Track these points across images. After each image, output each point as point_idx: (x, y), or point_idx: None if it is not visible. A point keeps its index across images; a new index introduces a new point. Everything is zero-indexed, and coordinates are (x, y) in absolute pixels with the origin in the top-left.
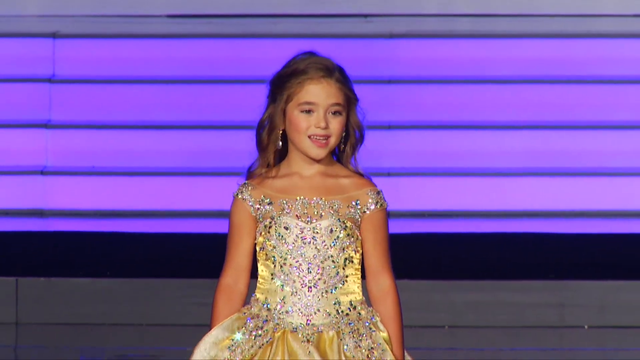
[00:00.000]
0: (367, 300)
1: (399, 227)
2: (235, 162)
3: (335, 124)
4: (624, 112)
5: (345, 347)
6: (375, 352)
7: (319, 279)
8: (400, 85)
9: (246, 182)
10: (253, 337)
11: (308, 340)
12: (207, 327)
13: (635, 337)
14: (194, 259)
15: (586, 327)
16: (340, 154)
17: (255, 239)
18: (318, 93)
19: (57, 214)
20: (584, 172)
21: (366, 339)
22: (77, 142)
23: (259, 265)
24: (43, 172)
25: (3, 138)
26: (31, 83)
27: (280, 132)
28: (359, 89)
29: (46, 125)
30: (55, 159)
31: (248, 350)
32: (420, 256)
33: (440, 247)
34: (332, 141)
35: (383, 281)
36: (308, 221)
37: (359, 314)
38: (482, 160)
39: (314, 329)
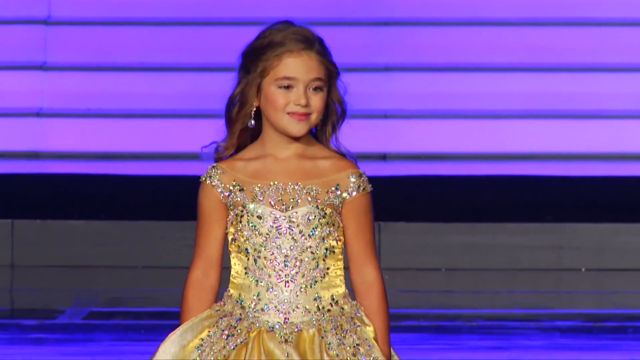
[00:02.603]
0: (352, 292)
1: (395, 169)
2: None
3: (317, 101)
4: (622, 55)
5: (328, 345)
6: (361, 349)
7: (297, 273)
8: (396, 27)
9: (215, 165)
10: (225, 337)
11: (286, 341)
12: None
13: (633, 279)
14: (189, 201)
15: (583, 269)
16: (319, 132)
17: (226, 228)
18: (297, 67)
19: (53, 156)
20: (581, 114)
21: (351, 335)
22: (72, 84)
23: (231, 257)
24: (39, 114)
25: None
26: (27, 25)
27: (254, 109)
28: (356, 31)
29: (42, 67)
30: (50, 101)
31: (220, 351)
32: (416, 198)
33: (436, 190)
34: (313, 118)
35: (367, 272)
36: (283, 209)
37: (342, 308)
38: (479, 103)
39: (293, 327)
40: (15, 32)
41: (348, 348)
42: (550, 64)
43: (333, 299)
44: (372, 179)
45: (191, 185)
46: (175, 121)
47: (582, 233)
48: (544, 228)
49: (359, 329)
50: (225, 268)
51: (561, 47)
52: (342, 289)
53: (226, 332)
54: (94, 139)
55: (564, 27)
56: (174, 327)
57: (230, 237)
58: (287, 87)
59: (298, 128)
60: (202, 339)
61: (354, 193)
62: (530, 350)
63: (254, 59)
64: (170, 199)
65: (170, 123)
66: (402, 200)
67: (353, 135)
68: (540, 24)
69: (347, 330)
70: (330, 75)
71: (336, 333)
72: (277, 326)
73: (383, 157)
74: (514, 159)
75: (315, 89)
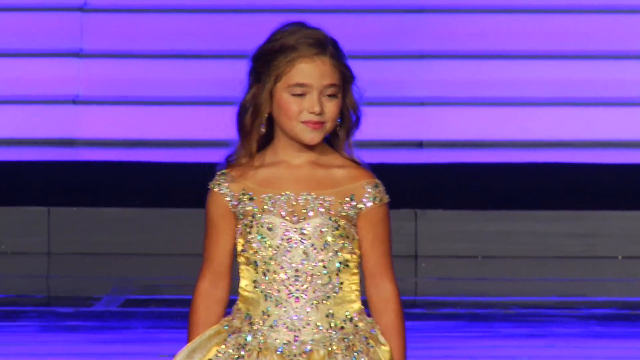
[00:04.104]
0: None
1: (431, 157)
2: None
3: (331, 108)
4: None
5: None
6: None
7: (308, 288)
8: (431, 14)
9: (224, 171)
10: (235, 357)
11: None
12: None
13: None
14: None
15: (620, 257)
16: (333, 138)
17: (235, 237)
18: (311, 73)
19: (89, 143)
20: (616, 102)
21: (363, 357)
22: (108, 71)
23: (239, 269)
24: (75, 101)
25: (35, 67)
26: (63, 12)
27: (266, 115)
28: (391, 18)
29: (78, 54)
30: (86, 88)
31: None
32: (452, 186)
33: (472, 177)
34: (328, 126)
35: (383, 287)
36: (294, 220)
37: (356, 326)
38: (514, 90)
39: (302, 347)
40: (52, 19)
41: None
42: (586, 51)
43: (347, 316)
44: (408, 167)
45: None
46: (211, 108)
47: (618, 220)
48: (579, 215)
49: (372, 349)
50: (235, 278)
51: (595, 34)
52: (357, 305)
53: (234, 351)
54: (129, 126)
55: (598, 14)
56: None
57: (239, 248)
58: (301, 94)
59: (311, 136)
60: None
61: (370, 204)
62: (566, 338)
63: (265, 64)
64: (206, 187)
65: (206, 110)
66: (437, 187)
67: (390, 122)
68: (576, 10)
69: (359, 351)
70: (345, 80)
71: (347, 354)
72: (285, 347)
73: (419, 144)
74: (549, 146)
75: (330, 95)
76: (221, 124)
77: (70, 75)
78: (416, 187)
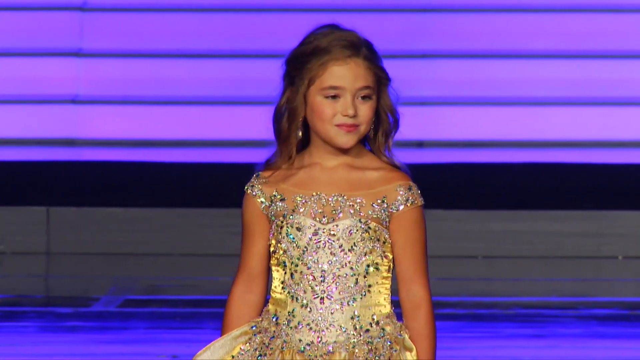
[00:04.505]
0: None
1: (432, 157)
2: (270, 90)
3: (365, 110)
4: None
5: None
6: None
7: (334, 289)
8: (434, 14)
9: (259, 173)
10: (257, 356)
11: None
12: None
13: None
14: (227, 188)
15: (620, 257)
16: (371, 142)
17: (269, 239)
18: (344, 75)
19: (88, 143)
20: (620, 101)
21: None
22: (108, 70)
23: (272, 271)
24: (74, 101)
25: (35, 67)
26: (63, 11)
27: (301, 119)
28: (394, 18)
29: (78, 54)
30: (86, 88)
31: None
32: (453, 186)
33: (473, 177)
34: (362, 129)
35: (415, 291)
36: (324, 221)
37: (383, 329)
38: (516, 90)
39: (324, 348)
40: (52, 18)
41: None
42: (590, 50)
43: (374, 319)
44: (408, 166)
45: (227, 173)
46: (211, 108)
47: (622, 221)
48: (583, 215)
49: (395, 353)
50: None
51: (601, 33)
52: (386, 309)
53: (258, 350)
54: (129, 126)
55: (603, 13)
56: (210, 316)
57: (271, 249)
58: (334, 97)
59: (346, 140)
60: (233, 356)
61: (402, 207)
62: (568, 339)
63: (298, 67)
64: (207, 186)
65: (206, 110)
66: (438, 187)
67: None
68: (581, 10)
69: (381, 355)
70: (379, 82)
71: (369, 358)
72: (307, 348)
73: (420, 144)
74: (552, 146)
75: (364, 97)
76: (222, 124)
77: (70, 75)
78: (417, 186)
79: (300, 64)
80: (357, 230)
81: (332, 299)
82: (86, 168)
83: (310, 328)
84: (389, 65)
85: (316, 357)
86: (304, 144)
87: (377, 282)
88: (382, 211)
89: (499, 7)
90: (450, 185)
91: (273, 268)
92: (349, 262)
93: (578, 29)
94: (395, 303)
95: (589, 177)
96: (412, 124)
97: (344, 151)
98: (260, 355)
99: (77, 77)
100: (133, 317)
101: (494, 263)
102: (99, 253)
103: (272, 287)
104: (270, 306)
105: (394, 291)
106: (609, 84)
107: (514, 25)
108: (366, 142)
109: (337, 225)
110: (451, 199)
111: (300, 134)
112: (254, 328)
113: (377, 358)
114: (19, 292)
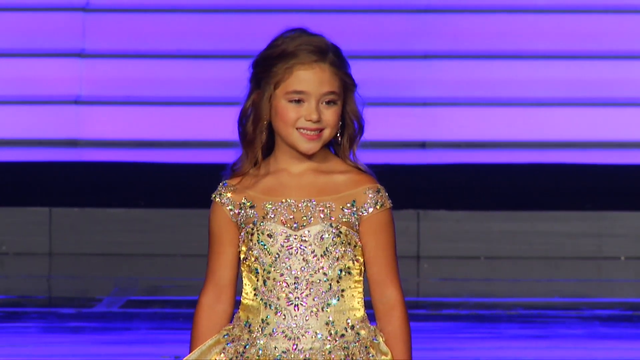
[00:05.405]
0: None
1: (434, 157)
2: None
3: (329, 115)
4: None
5: None
6: None
7: (308, 296)
8: (436, 14)
9: (226, 182)
10: None
11: None
12: None
13: None
14: None
15: (622, 258)
16: (337, 146)
17: (239, 247)
18: (309, 80)
19: (91, 143)
20: (621, 102)
21: None
22: (111, 71)
23: (243, 278)
24: (77, 101)
25: (37, 67)
26: (65, 12)
27: (266, 122)
28: (396, 18)
29: (80, 54)
30: (89, 88)
31: None
32: (455, 186)
33: (475, 178)
34: (326, 134)
35: (387, 294)
36: (295, 227)
37: (358, 334)
38: (518, 90)
39: (300, 355)
40: (54, 19)
41: None
42: (591, 51)
43: (348, 323)
44: (411, 167)
45: None
46: (213, 109)
47: (623, 221)
48: (584, 216)
49: (372, 358)
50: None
51: (602, 34)
52: (360, 313)
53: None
54: (131, 127)
55: (603, 14)
56: None
57: (242, 256)
58: (298, 101)
59: (308, 146)
60: None
61: (371, 209)
62: (570, 339)
63: (265, 70)
64: (208, 187)
65: (208, 111)
66: (441, 187)
67: (392, 123)
68: (582, 11)
69: None
70: (345, 87)
71: None
72: (283, 355)
73: (422, 145)
74: (554, 146)
75: (329, 102)
76: (224, 124)
77: (73, 76)
78: (419, 187)
79: (267, 66)
80: (328, 235)
81: (306, 305)
82: (88, 169)
83: (285, 335)
84: (390, 65)
85: None
86: (270, 149)
87: (350, 287)
88: (352, 215)
89: (500, 7)
90: (452, 186)
91: (244, 275)
92: (322, 267)
93: (578, 30)
94: (368, 304)
95: (589, 178)
96: (413, 124)
97: (309, 156)
98: None
99: (80, 78)
100: (135, 317)
101: (494, 264)
102: (101, 253)
103: (243, 294)
104: (241, 313)
105: (366, 293)
106: (609, 85)
107: (514, 25)
108: (331, 147)
109: (308, 231)
110: (452, 200)
111: (264, 137)
112: (226, 337)
113: None
114: (21, 293)
